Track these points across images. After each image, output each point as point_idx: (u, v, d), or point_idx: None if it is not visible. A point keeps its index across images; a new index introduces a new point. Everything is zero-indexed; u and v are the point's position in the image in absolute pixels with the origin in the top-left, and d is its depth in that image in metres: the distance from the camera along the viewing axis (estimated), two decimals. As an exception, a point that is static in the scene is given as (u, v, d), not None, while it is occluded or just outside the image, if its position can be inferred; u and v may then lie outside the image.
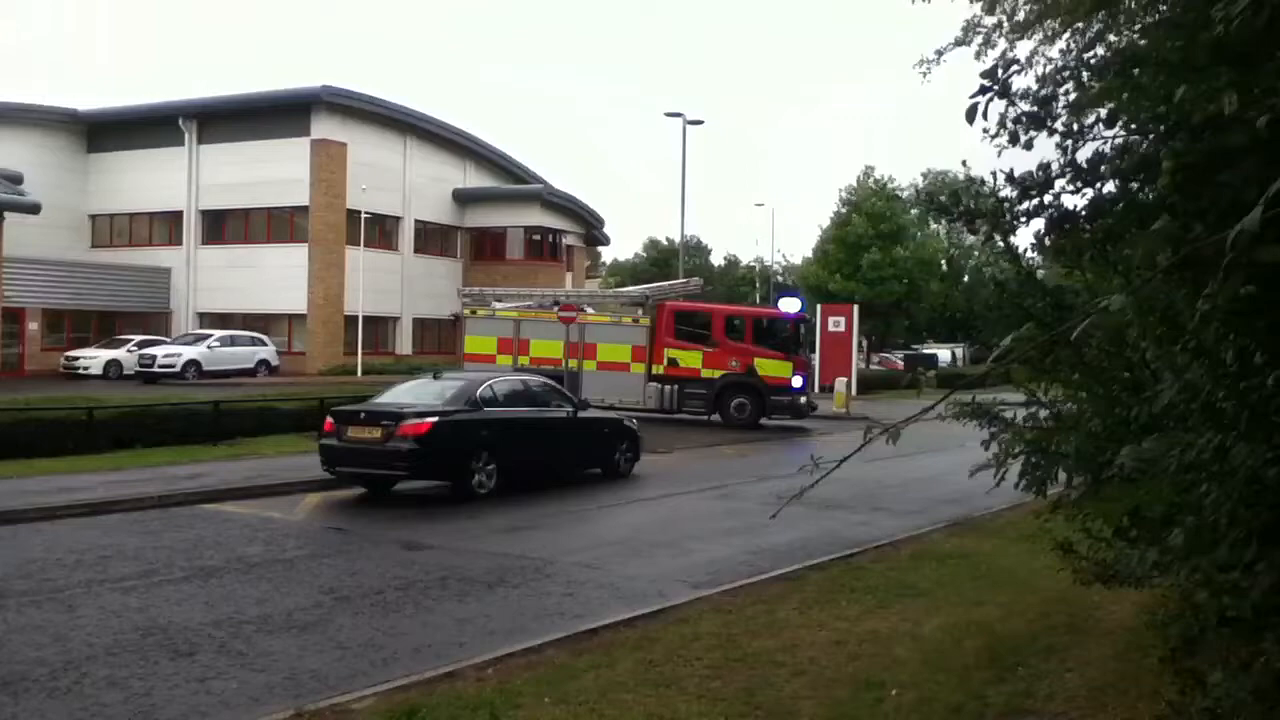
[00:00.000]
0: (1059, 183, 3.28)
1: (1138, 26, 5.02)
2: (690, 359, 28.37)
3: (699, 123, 39.95)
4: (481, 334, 28.92)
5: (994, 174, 3.79)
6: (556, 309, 27.55)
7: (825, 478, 4.61)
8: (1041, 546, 11.82)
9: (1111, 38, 5.71)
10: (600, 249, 77.39)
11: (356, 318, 45.31)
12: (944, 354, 65.73)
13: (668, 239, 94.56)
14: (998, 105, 3.11)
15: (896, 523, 14.05)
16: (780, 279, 77.91)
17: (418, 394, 16.25)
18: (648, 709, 6.30)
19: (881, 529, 13.47)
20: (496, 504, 14.75)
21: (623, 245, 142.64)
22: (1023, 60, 3.55)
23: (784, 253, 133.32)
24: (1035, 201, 3.49)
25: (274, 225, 46.88)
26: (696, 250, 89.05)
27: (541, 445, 16.83)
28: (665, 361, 28.39)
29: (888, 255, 52.36)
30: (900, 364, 60.62)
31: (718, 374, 27.97)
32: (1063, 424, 4.57)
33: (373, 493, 15.67)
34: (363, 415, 15.26)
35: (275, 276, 44.67)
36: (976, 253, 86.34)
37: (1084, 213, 3.34)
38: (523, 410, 16.58)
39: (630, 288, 34.06)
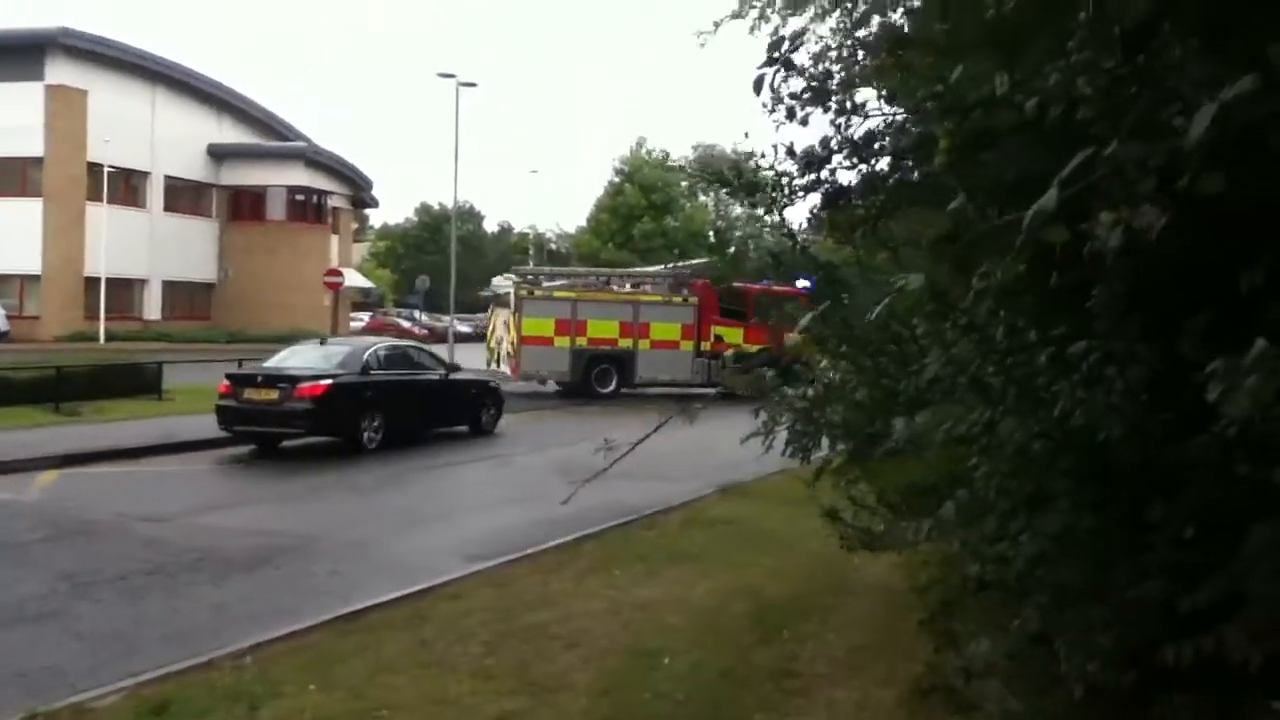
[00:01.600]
0: (836, 158, 3.32)
1: (902, 8, 5.17)
2: (733, 335, 28.94)
3: (472, 85, 39.12)
4: (538, 316, 27.84)
5: (774, 148, 3.81)
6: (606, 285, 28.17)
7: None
8: (805, 511, 12.27)
9: (877, 18, 5.88)
10: (369, 212, 75.01)
11: (98, 280, 42.09)
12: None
13: (440, 204, 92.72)
14: (780, 79, 3.09)
15: (671, 488, 14.28)
16: (554, 247, 77.95)
17: (306, 359, 17.57)
18: (419, 691, 6.10)
19: (657, 496, 13.65)
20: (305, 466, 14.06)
21: (393, 209, 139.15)
22: (800, 36, 3.54)
23: (558, 221, 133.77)
24: (812, 177, 3.53)
25: (4, 176, 42.78)
26: (469, 216, 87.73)
27: (419, 405, 18.37)
28: (712, 338, 28.83)
29: (659, 225, 53.29)
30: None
31: (754, 348, 27.93)
32: (830, 394, 4.68)
33: (261, 450, 16.68)
34: (259, 379, 16.55)
35: (4, 233, 40.81)
36: (740, 224, 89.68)
37: (857, 189, 3.41)
38: (403, 373, 18.20)
39: (662, 267, 34.27)
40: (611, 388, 28.22)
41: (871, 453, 4.28)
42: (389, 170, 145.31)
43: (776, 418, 7.36)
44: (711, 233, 67.17)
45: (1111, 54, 2.03)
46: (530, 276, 30.18)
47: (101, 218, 42.39)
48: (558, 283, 29.76)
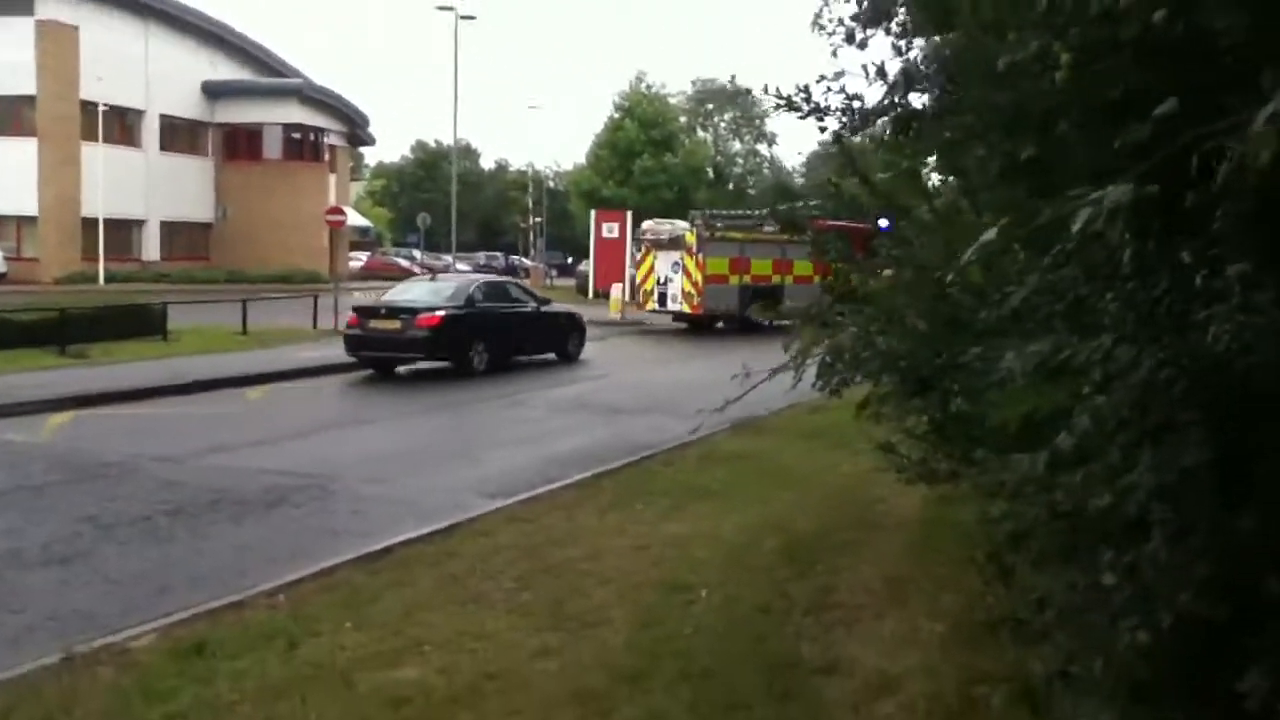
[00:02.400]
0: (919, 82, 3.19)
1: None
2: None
3: (471, 18, 38.59)
4: (717, 255, 29.75)
5: (864, 68, 3.65)
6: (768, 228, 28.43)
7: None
8: (820, 444, 12.39)
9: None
10: (365, 150, 74.26)
11: (96, 220, 41.70)
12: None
13: (436, 141, 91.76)
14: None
15: (681, 425, 14.23)
16: (552, 185, 77.29)
17: (421, 293, 20.22)
18: (456, 627, 6.09)
19: (669, 432, 13.63)
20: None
21: (389, 147, 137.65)
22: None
23: (556, 159, 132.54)
24: (885, 101, 3.41)
25: (-5, 116, 42.19)
26: (466, 154, 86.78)
27: (516, 333, 20.53)
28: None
29: (659, 162, 52.72)
30: (670, 270, 61.75)
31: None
32: (885, 323, 4.57)
33: (379, 374, 19.02)
34: (383, 310, 19.24)
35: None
36: (740, 160, 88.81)
37: (930, 113, 3.28)
38: (503, 305, 20.57)
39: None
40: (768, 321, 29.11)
41: (939, 383, 4.19)
42: (384, 106, 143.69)
43: (808, 349, 7.29)
44: (711, 170, 66.66)
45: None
46: (711, 219, 31.19)
47: (98, 157, 41.87)
48: (720, 225, 31.19)
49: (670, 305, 30.29)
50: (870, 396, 5.96)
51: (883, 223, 6.12)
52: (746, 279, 30.12)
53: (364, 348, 18.87)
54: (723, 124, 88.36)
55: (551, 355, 21.46)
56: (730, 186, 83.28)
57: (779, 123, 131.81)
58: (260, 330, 24.10)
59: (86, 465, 11.09)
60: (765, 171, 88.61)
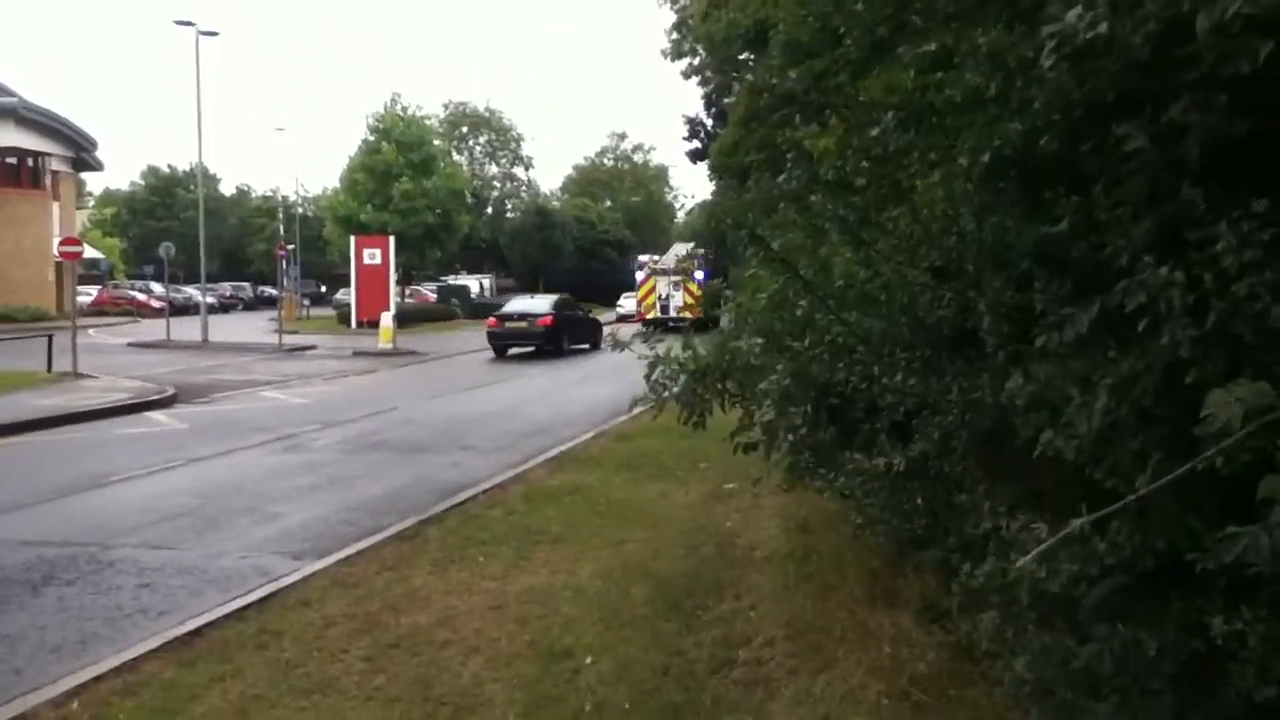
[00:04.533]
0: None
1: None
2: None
3: (213, 34, 35.92)
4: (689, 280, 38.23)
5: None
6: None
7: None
8: (643, 475, 11.94)
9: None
10: (92, 175, 68.38)
11: None
12: (474, 284, 66.30)
13: (170, 166, 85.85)
14: None
15: (489, 461, 13.44)
16: (302, 211, 73.82)
17: (532, 304, 32.62)
18: (310, 727, 5.13)
19: (477, 470, 12.79)
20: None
21: (117, 173, 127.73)
22: None
23: (302, 183, 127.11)
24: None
25: None
26: (205, 179, 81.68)
27: (578, 330, 32.04)
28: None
29: (419, 185, 51.13)
30: (432, 296, 60.15)
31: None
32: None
33: (498, 356, 30.55)
34: (515, 315, 30.91)
35: None
36: (497, 185, 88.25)
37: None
38: (571, 313, 32.56)
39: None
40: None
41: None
42: (110, 129, 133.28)
43: (672, 377, 6.79)
44: (469, 193, 65.56)
45: None
46: (694, 256, 39.05)
47: None
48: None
49: (672, 313, 38.50)
50: (770, 426, 5.51)
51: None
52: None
53: (504, 339, 30.49)
54: (477, 147, 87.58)
55: (587, 345, 31.98)
56: (490, 210, 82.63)
57: (535, 146, 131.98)
58: (-17, 377, 21.25)
59: None
60: (523, 195, 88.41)
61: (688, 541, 8.45)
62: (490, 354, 31.35)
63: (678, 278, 38.78)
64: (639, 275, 42.37)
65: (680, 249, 44.36)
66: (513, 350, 30.60)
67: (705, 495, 10.58)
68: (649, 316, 38.81)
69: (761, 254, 5.28)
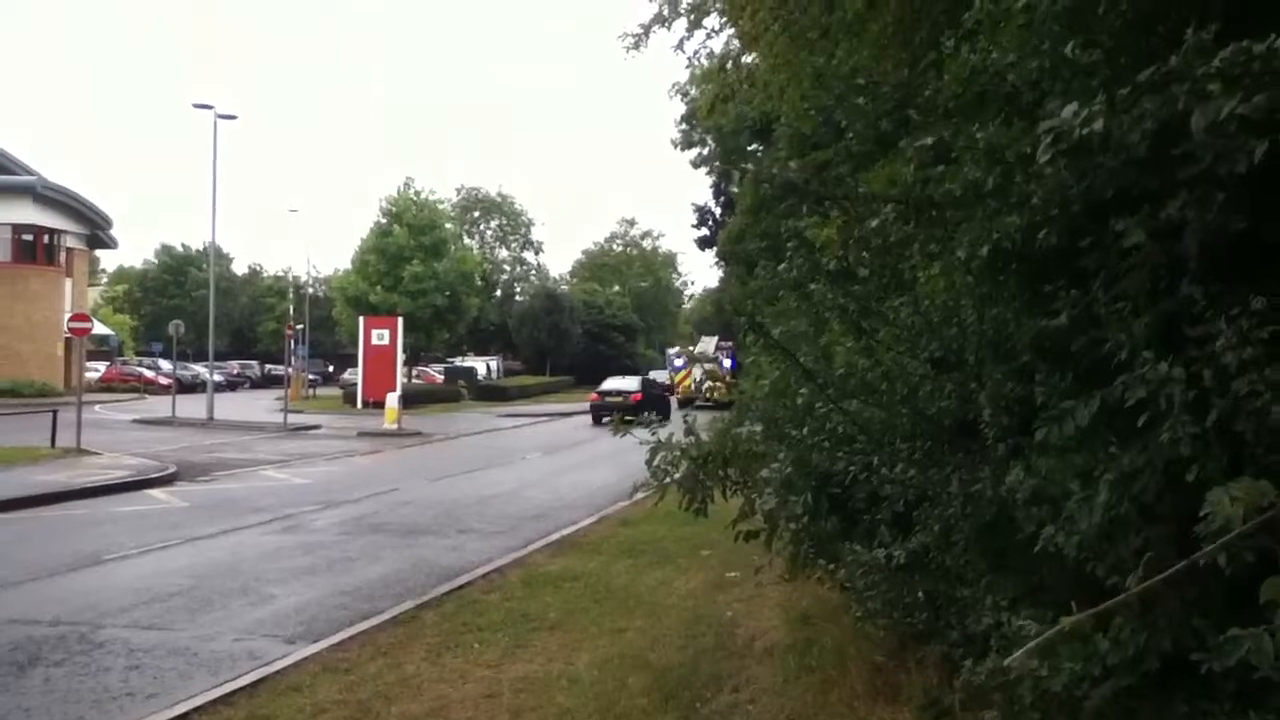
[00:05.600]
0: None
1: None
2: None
3: (232, 118, 36.66)
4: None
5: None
6: None
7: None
8: (645, 562, 11.79)
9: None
10: (105, 253, 69.18)
11: None
12: (481, 366, 66.53)
13: (183, 245, 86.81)
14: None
15: (489, 545, 13.31)
16: (312, 290, 74.45)
17: (624, 383, 42.69)
18: (294, 820, 4.98)
19: (476, 553, 12.66)
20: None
21: (131, 250, 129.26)
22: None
23: (314, 264, 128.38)
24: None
25: None
26: (218, 258, 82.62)
27: (655, 403, 34.50)
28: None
29: (429, 268, 51.64)
30: (439, 377, 60.31)
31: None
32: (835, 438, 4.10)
33: (595, 422, 36.61)
34: (613, 391, 39.97)
35: None
36: (507, 268, 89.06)
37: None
38: (652, 390, 41.79)
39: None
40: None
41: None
42: (124, 207, 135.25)
43: (675, 464, 6.76)
44: (479, 276, 66.13)
45: None
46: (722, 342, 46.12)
47: None
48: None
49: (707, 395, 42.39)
50: (771, 515, 5.46)
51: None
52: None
53: (600, 410, 36.62)
54: (488, 231, 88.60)
55: (660, 416, 33.15)
56: (499, 293, 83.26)
57: (544, 231, 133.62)
58: (-14, 451, 21.21)
59: None
60: (532, 279, 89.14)
61: (687, 631, 8.31)
62: (493, 435, 31.47)
63: (710, 365, 41.14)
64: (678, 363, 49.76)
65: (709, 342, 48.85)
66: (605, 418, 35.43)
67: (707, 583, 10.45)
68: (682, 395, 45.96)
69: (761, 341, 5.29)
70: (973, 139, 3.45)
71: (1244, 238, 2.87)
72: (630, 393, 39.24)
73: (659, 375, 57.67)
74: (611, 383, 42.87)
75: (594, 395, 40.76)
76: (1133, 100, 2.75)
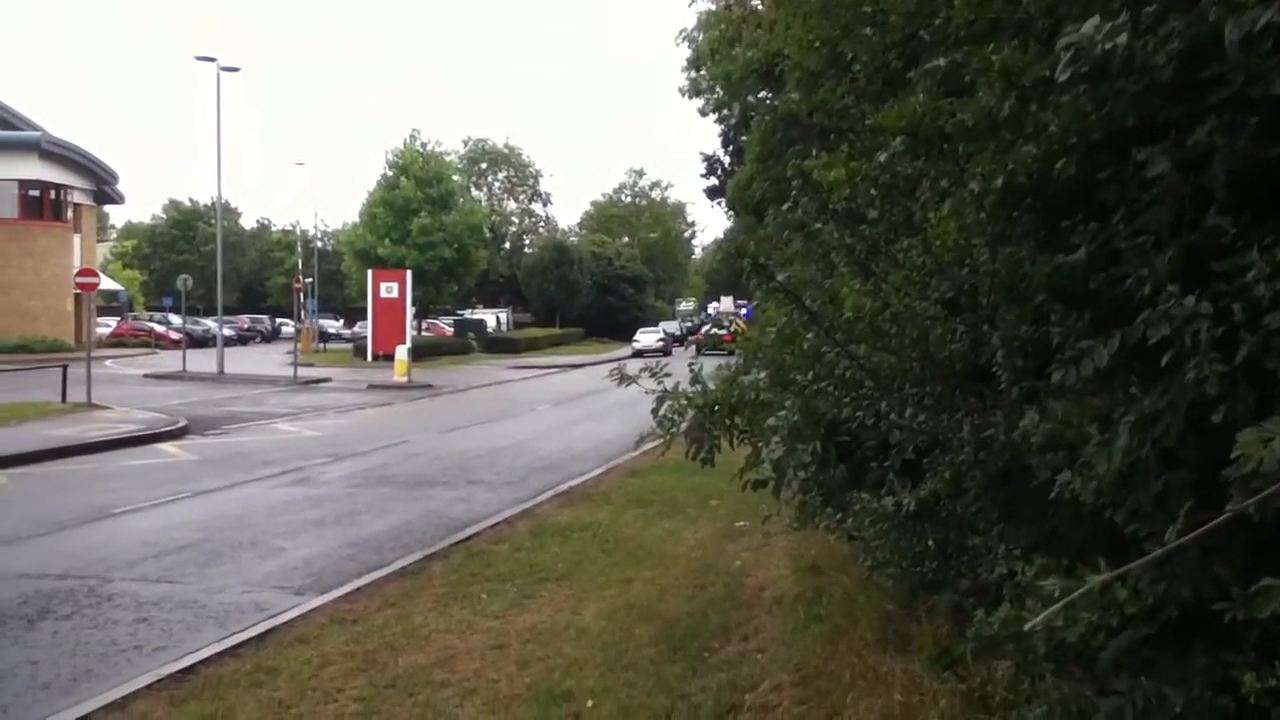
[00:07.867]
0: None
1: None
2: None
3: (234, 70, 36.26)
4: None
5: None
6: None
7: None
8: (655, 512, 11.73)
9: None
10: (113, 209, 69.08)
11: None
12: (490, 319, 66.43)
13: (191, 200, 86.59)
14: None
15: (498, 496, 13.27)
16: (320, 244, 74.25)
17: (650, 336, 56.15)
18: (297, 772, 4.95)
19: (485, 505, 12.63)
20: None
21: (139, 206, 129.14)
22: None
23: (321, 217, 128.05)
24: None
25: None
26: (226, 213, 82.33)
27: (667, 347, 51.85)
28: None
29: (437, 220, 51.35)
30: (448, 330, 60.23)
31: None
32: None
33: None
34: (646, 345, 51.35)
35: None
36: (515, 220, 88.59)
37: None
38: (671, 337, 60.19)
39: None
40: None
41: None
42: (131, 162, 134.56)
43: (681, 412, 6.63)
44: (488, 229, 65.78)
45: None
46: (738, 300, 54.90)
47: None
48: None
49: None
50: (779, 464, 5.34)
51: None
52: None
53: (640, 354, 39.91)
54: (496, 183, 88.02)
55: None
56: (507, 245, 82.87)
57: (552, 182, 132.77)
58: (-2, 406, 21.26)
59: None
60: (541, 230, 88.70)
61: (696, 581, 8.25)
62: (503, 388, 32.33)
63: (733, 315, 44.32)
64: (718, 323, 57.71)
65: (729, 300, 57.78)
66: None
67: (715, 533, 10.38)
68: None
69: (766, 285, 5.13)
70: (987, 61, 3.27)
71: (1275, 165, 2.71)
72: (661, 342, 53.03)
73: (669, 326, 69.01)
74: (643, 338, 54.84)
75: (636, 341, 54.14)
76: (1158, 18, 2.58)
